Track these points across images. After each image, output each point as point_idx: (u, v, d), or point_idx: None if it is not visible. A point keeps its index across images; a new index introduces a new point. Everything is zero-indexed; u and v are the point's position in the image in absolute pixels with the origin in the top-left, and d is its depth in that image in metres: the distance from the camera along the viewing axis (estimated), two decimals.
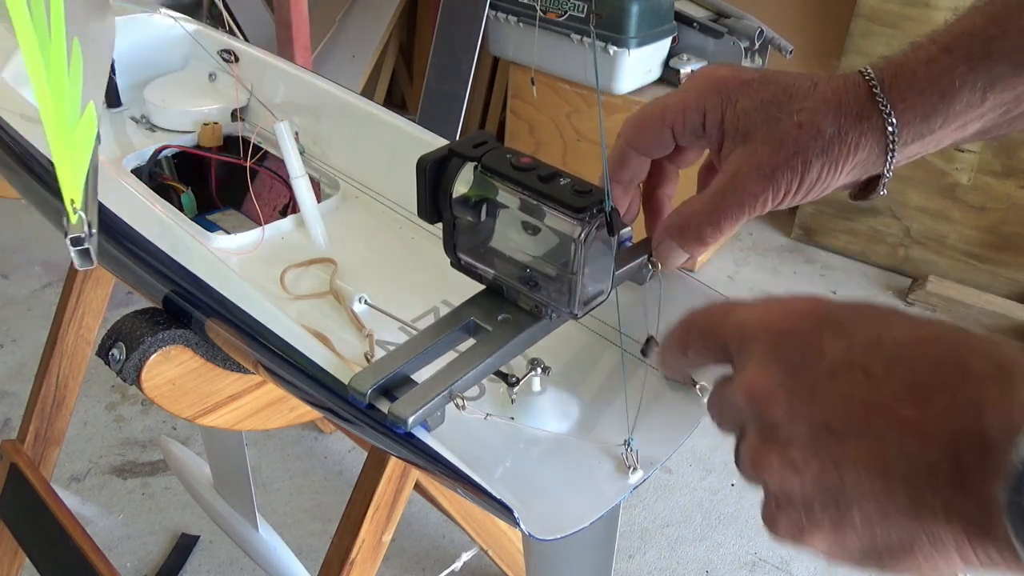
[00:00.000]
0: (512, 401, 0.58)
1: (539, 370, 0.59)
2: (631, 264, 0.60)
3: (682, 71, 2.14)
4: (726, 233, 0.54)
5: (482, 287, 0.59)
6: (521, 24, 2.16)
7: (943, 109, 0.49)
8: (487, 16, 2.13)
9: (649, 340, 0.61)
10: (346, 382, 0.53)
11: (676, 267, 0.57)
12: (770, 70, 0.54)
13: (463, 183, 0.54)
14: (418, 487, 0.88)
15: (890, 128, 0.50)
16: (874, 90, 0.50)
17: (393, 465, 0.72)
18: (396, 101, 2.88)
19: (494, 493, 0.49)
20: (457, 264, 0.58)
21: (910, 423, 0.33)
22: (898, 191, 2.22)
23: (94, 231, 0.53)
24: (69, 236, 0.52)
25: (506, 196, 0.53)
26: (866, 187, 0.55)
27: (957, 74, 0.48)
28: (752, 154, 0.51)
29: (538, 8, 2.08)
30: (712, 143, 0.54)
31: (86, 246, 0.52)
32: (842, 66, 2.18)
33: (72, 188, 0.51)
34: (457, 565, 1.32)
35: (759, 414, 0.37)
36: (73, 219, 0.51)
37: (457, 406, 0.53)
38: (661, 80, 2.19)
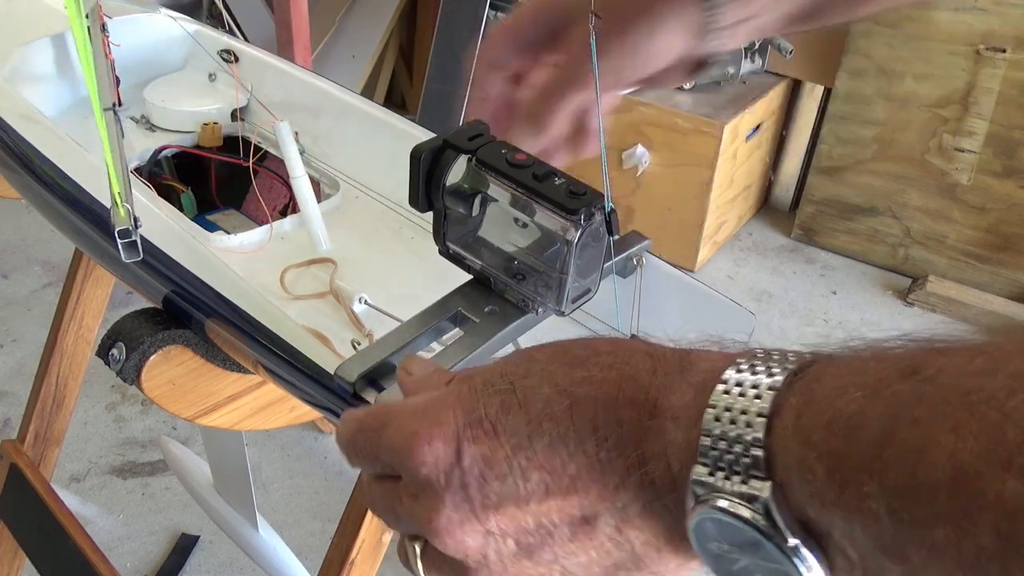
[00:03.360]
0: None
1: None
2: (616, 258, 0.61)
3: None
4: (562, 112, 0.55)
5: (469, 276, 0.59)
6: None
7: None
8: (487, 16, 2.13)
9: (632, 339, 0.61)
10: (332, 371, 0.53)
11: (532, 148, 0.56)
12: None
13: (456, 176, 0.54)
14: None
15: None
16: None
17: None
18: (396, 101, 2.88)
19: None
20: (445, 253, 0.58)
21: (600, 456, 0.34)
22: (898, 191, 2.23)
23: (140, 224, 0.54)
24: (117, 229, 0.52)
25: (499, 192, 0.53)
26: (701, 64, 0.56)
27: None
28: (583, 33, 0.52)
29: None
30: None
31: (134, 238, 0.52)
32: (843, 66, 2.19)
33: (118, 182, 0.51)
34: None
35: (465, 563, 0.36)
36: (122, 212, 0.52)
37: None
38: None
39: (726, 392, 0.31)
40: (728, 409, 0.30)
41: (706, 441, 0.30)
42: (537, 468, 0.34)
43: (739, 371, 0.31)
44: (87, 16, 0.48)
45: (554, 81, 0.54)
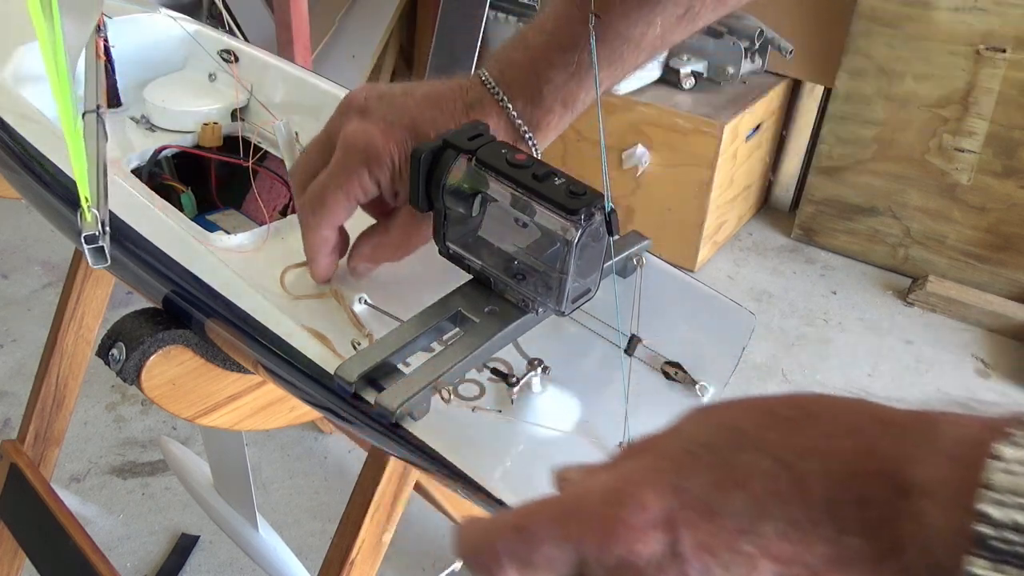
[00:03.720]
0: (512, 401, 0.58)
1: (539, 370, 0.59)
2: (616, 258, 0.61)
3: (682, 71, 2.14)
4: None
5: (469, 276, 0.59)
6: (521, 24, 2.16)
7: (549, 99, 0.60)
8: (487, 16, 2.13)
9: (632, 339, 0.61)
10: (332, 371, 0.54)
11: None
12: (398, 101, 0.60)
13: (456, 176, 0.54)
14: (418, 487, 0.88)
15: (509, 109, 0.59)
16: (487, 86, 0.59)
17: (393, 465, 0.72)
18: None
19: (493, 492, 0.49)
20: (445, 252, 0.59)
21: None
22: (898, 191, 2.23)
23: (107, 229, 0.54)
24: (83, 234, 0.52)
25: (499, 191, 0.53)
26: None
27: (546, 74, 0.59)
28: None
29: (538, 8, 2.08)
30: (388, 193, 0.61)
31: (100, 244, 0.52)
32: (843, 66, 2.19)
33: (86, 185, 0.51)
34: (457, 565, 1.32)
35: None
36: (88, 217, 0.51)
37: (443, 398, 0.53)
38: (661, 80, 2.19)
39: (1007, 471, 0.26)
40: (1017, 493, 0.26)
41: (987, 529, 0.26)
42: (767, 556, 0.30)
43: (1018, 446, 0.27)
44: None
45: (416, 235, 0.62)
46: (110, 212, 0.70)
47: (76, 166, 0.50)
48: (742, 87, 2.21)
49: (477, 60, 2.13)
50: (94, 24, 0.84)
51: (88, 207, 0.51)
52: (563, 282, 0.52)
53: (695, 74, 2.18)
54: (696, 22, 0.59)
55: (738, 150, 2.19)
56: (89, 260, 0.53)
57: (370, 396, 0.53)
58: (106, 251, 0.53)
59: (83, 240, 0.52)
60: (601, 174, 0.57)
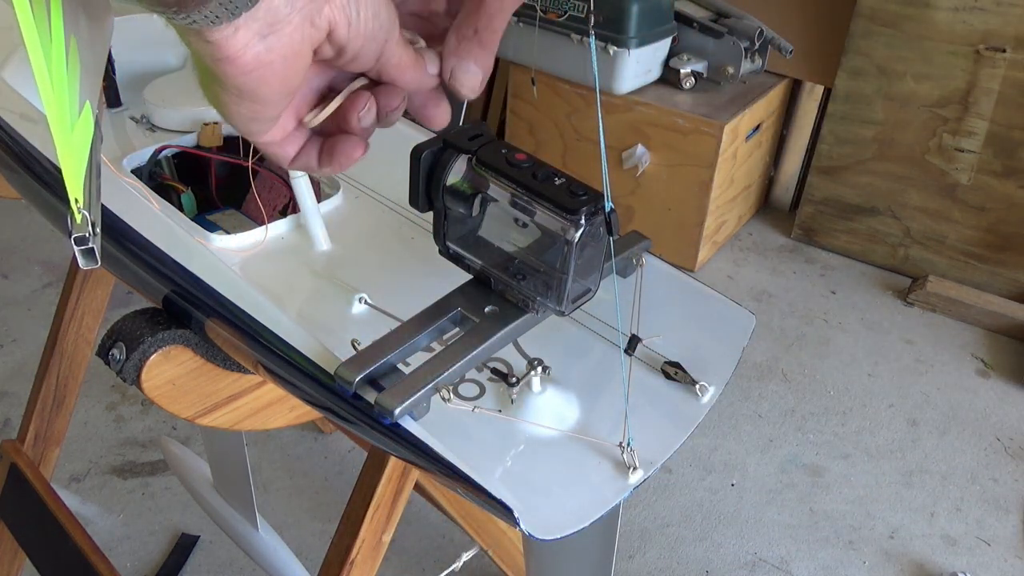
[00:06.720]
0: (512, 401, 0.58)
1: (539, 370, 0.59)
2: (616, 258, 0.61)
3: (682, 71, 2.14)
4: (499, 31, 0.48)
5: (469, 276, 0.59)
6: (521, 24, 2.15)
7: None
8: None
9: (632, 339, 0.61)
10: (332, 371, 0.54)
11: (476, 88, 0.50)
12: None
13: (456, 175, 0.54)
14: (418, 487, 0.88)
15: None
16: None
17: (393, 465, 0.72)
18: None
19: (493, 492, 0.49)
20: (445, 252, 0.59)
21: None
22: (898, 191, 2.23)
23: (98, 230, 0.53)
24: (73, 236, 0.51)
25: (499, 191, 0.53)
26: None
27: None
28: None
29: (538, 8, 2.08)
30: None
31: (90, 245, 0.52)
32: (842, 66, 2.19)
33: (75, 187, 0.51)
34: (457, 565, 1.32)
35: None
36: (77, 218, 0.51)
37: (443, 398, 0.53)
38: (661, 80, 2.19)
39: None
40: None
41: None
42: None
43: None
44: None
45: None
46: (111, 213, 0.70)
47: (65, 166, 0.50)
48: (742, 87, 2.21)
49: None
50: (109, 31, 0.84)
51: (77, 208, 0.51)
52: (563, 282, 0.52)
53: (695, 74, 2.18)
54: None
55: (738, 150, 2.19)
56: (80, 261, 0.53)
57: (370, 396, 0.53)
58: (96, 252, 0.53)
59: (73, 241, 0.52)
60: (601, 174, 0.57)
